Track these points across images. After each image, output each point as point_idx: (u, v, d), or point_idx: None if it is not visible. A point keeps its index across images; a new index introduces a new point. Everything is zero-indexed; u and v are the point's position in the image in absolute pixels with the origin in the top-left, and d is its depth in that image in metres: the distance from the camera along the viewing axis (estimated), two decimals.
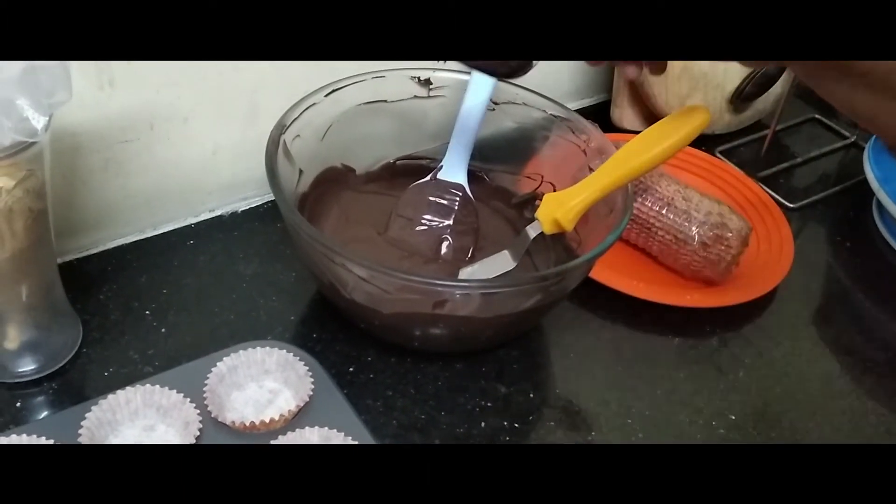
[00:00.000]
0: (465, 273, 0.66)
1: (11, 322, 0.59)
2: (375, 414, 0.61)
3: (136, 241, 0.71)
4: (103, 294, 0.66)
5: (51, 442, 0.52)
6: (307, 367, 0.58)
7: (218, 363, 0.58)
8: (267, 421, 0.55)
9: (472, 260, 0.68)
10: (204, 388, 0.56)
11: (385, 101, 0.71)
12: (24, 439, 0.52)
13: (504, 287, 0.60)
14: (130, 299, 0.66)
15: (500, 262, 0.65)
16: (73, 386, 0.60)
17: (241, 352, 0.59)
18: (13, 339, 0.59)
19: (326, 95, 0.67)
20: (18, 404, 0.58)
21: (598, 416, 0.63)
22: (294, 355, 0.59)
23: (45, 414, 0.58)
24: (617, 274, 0.70)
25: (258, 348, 0.59)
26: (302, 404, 0.56)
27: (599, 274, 0.69)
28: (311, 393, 0.57)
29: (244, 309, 0.67)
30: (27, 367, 0.59)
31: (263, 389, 0.59)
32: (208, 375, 0.57)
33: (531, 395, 0.64)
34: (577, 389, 0.65)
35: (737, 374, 0.68)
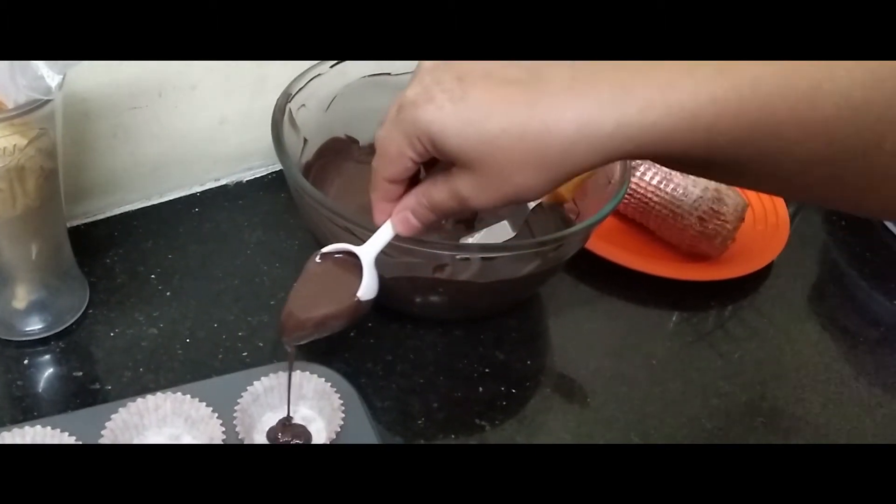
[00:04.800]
0: (466, 242, 0.67)
1: (20, 281, 0.60)
2: (375, 378, 0.62)
3: (142, 208, 0.72)
4: (109, 258, 0.67)
5: (73, 439, 0.51)
6: (342, 401, 0.55)
7: (255, 381, 0.55)
8: None
9: (473, 230, 0.69)
10: (235, 407, 0.53)
11: (389, 73, 0.72)
12: (47, 432, 0.51)
13: (503, 252, 0.61)
14: (136, 264, 0.67)
15: (500, 232, 0.66)
16: (80, 346, 0.61)
17: (280, 373, 0.56)
18: (22, 298, 0.60)
19: (332, 66, 0.68)
20: (26, 361, 0.60)
21: (594, 384, 0.64)
22: (332, 385, 0.56)
23: (50, 371, 0.59)
24: (614, 247, 0.71)
25: (298, 371, 0.56)
26: (334, 436, 0.53)
27: (597, 247, 0.70)
28: (342, 425, 0.53)
29: (248, 275, 0.68)
30: (35, 326, 0.61)
31: (297, 416, 0.56)
32: (242, 393, 0.54)
33: (528, 363, 0.65)
34: (574, 358, 0.67)
35: (731, 347, 0.69)
